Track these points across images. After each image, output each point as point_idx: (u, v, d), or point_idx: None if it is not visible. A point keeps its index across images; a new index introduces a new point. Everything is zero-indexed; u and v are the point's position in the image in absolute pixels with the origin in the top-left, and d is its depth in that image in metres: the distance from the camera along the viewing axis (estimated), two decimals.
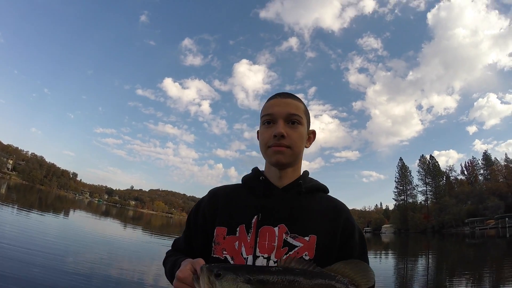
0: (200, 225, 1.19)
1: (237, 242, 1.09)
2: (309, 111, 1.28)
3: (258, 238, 1.07)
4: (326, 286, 0.86)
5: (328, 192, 1.26)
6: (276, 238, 1.07)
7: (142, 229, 28.43)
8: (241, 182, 1.28)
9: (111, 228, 23.19)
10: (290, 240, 1.07)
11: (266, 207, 1.13)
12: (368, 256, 1.18)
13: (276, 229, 1.08)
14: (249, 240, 1.08)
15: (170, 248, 1.32)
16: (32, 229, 12.23)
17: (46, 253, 8.28)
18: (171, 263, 1.13)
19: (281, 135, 1.11)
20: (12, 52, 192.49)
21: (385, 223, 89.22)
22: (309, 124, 1.27)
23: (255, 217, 1.11)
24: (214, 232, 1.14)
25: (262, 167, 1.27)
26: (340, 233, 1.11)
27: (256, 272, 0.86)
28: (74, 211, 36.07)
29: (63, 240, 11.48)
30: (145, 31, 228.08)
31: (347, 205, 1.22)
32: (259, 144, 1.22)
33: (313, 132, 1.29)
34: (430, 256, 21.49)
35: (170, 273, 1.08)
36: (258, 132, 1.25)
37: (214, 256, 1.11)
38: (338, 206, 1.19)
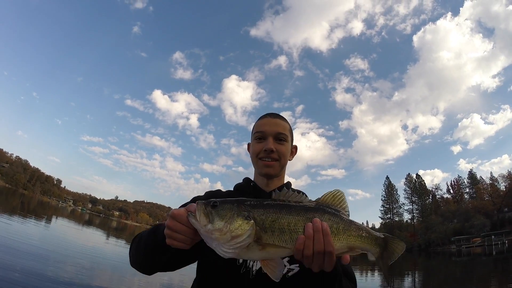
0: None
1: None
2: (296, 129, 1.36)
3: None
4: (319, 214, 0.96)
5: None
6: None
7: (125, 241, 27.66)
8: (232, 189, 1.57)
9: (93, 238, 22.57)
10: None
11: None
12: (354, 274, 1.32)
13: None
14: None
15: None
16: (13, 235, 11.95)
17: (26, 259, 8.11)
18: (150, 229, 1.20)
19: (271, 150, 1.43)
20: (3, 53, 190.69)
21: None
22: (293, 141, 1.59)
23: None
24: None
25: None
26: None
27: (253, 205, 0.93)
28: (56, 219, 35.42)
29: (44, 247, 11.29)
30: (137, 42, 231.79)
31: None
32: (250, 155, 1.54)
33: (295, 147, 1.64)
34: (416, 274, 21.43)
35: (153, 232, 1.15)
36: (248, 144, 1.60)
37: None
38: None
